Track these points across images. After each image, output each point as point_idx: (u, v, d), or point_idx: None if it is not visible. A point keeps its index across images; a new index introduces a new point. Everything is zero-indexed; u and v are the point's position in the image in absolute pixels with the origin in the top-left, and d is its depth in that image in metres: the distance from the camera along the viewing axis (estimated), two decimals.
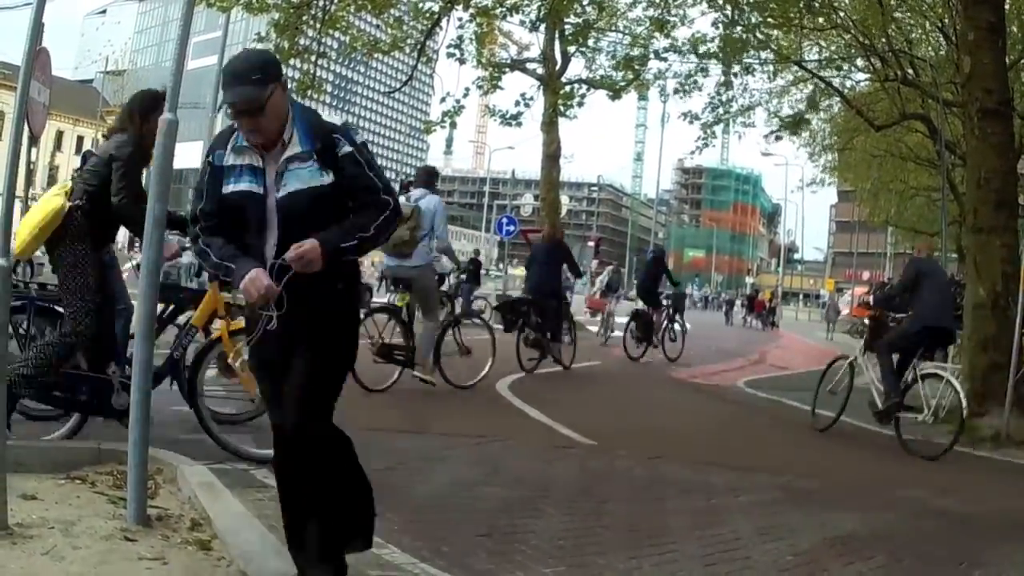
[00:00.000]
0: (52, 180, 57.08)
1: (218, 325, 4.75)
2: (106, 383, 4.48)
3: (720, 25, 15.04)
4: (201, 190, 2.77)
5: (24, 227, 4.37)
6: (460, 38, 16.48)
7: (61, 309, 4.45)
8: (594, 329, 17.86)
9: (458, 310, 9.22)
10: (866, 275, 56.16)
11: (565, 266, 11.41)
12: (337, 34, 15.56)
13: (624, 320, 14.65)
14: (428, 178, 8.34)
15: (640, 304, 14.39)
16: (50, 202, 4.37)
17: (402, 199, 8.37)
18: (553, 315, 10.77)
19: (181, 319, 5.10)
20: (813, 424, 8.21)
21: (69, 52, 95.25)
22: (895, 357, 7.63)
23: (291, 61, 14.40)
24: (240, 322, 4.59)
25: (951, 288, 8.31)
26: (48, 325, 4.50)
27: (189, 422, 5.30)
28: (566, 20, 17.37)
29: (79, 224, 4.36)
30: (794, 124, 18.24)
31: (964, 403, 7.10)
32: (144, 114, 4.51)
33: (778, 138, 19.07)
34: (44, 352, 4.31)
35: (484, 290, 23.52)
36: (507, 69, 19.19)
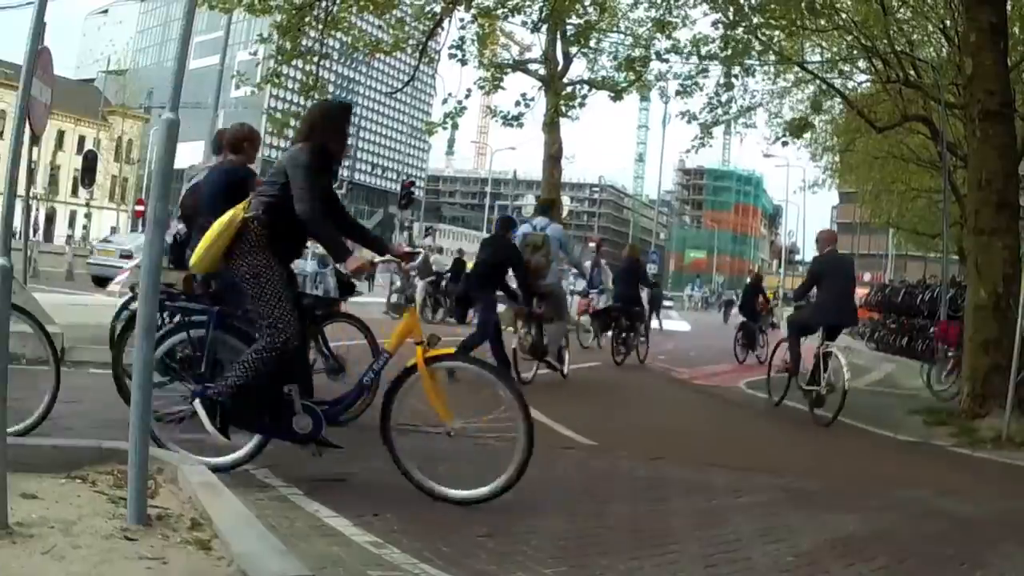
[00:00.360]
0: (53, 179, 57.24)
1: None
2: (288, 404, 4.25)
3: (721, 26, 15.06)
4: None
5: (202, 242, 4.30)
6: (462, 39, 16.52)
7: (242, 325, 4.35)
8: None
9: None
10: (867, 276, 56.07)
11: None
12: (339, 35, 15.57)
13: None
14: (548, 208, 10.51)
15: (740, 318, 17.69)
16: (224, 216, 4.26)
17: (525, 228, 9.87)
18: (638, 318, 13.35)
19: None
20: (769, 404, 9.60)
21: (71, 51, 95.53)
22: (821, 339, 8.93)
23: (294, 62, 14.45)
24: (443, 347, 4.39)
25: (848, 281, 9.35)
26: (234, 340, 4.33)
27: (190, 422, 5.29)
28: (568, 21, 17.39)
29: (256, 234, 4.22)
30: (798, 128, 18.25)
31: (846, 375, 8.38)
32: (326, 124, 4.44)
33: (784, 144, 19.11)
34: (253, 364, 4.15)
35: None
36: (509, 70, 19.21)
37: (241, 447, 4.38)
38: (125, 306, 5.71)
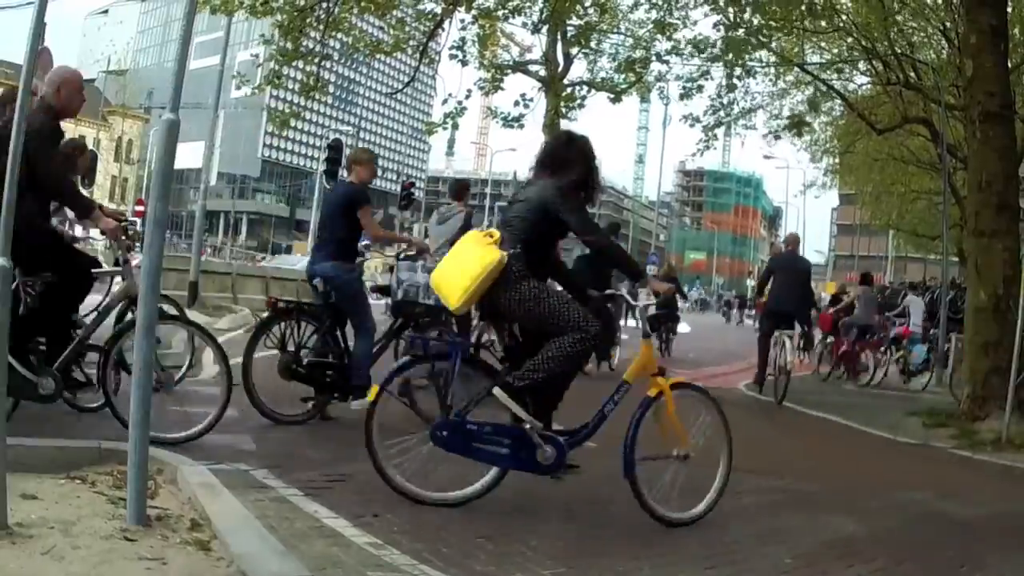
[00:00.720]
0: None
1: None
2: (527, 436, 4.20)
3: (722, 27, 15.06)
4: None
5: (458, 280, 4.22)
6: (462, 40, 16.48)
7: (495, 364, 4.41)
8: None
9: None
10: None
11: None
12: (340, 35, 15.57)
13: None
14: (616, 229, 12.85)
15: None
16: (485, 255, 4.19)
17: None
18: (676, 321, 16.54)
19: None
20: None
21: (71, 51, 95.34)
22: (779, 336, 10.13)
23: (294, 62, 14.46)
24: (678, 376, 4.60)
25: (798, 276, 10.58)
26: (475, 374, 4.33)
27: (190, 423, 5.30)
28: (568, 22, 17.37)
29: (517, 269, 4.21)
30: (794, 125, 18.26)
31: (789, 358, 9.62)
32: (577, 158, 4.50)
33: (777, 137, 19.13)
34: (564, 356, 4.23)
35: None
36: (509, 71, 19.18)
37: (478, 480, 4.31)
38: (264, 323, 6.13)
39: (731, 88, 16.74)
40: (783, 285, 10.27)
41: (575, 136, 4.75)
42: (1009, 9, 11.48)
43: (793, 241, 11.68)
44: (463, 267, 4.21)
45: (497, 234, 4.26)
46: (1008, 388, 8.01)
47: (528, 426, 4.17)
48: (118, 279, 5.20)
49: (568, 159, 4.46)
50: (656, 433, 4.36)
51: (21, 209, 3.23)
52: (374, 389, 4.25)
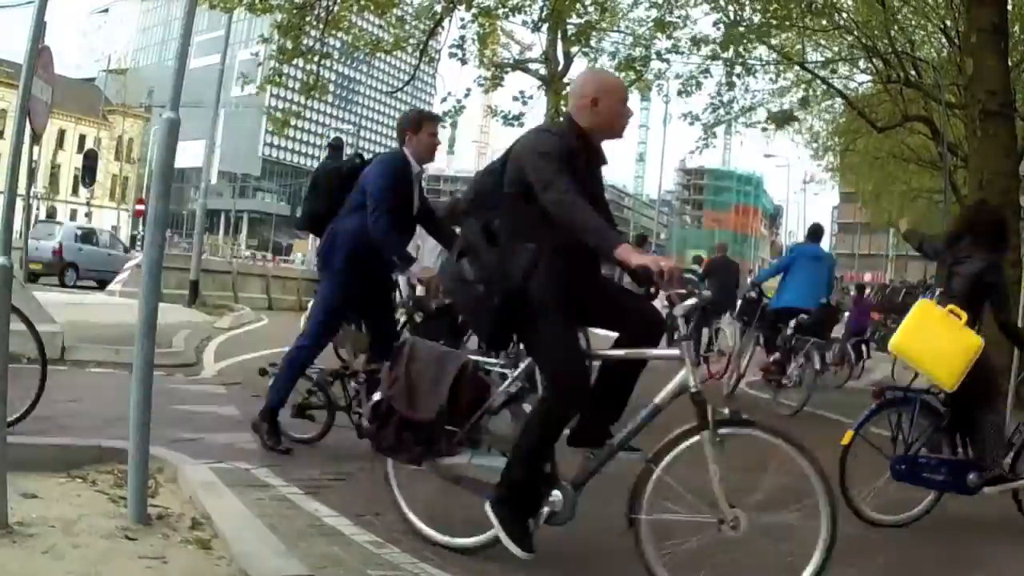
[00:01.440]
0: (54, 178, 57.26)
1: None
2: (961, 465, 4.83)
3: (721, 25, 15.04)
4: None
5: (948, 365, 4.67)
6: (462, 38, 16.47)
7: (938, 405, 4.89)
8: None
9: None
10: (868, 276, 56.10)
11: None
12: (340, 34, 15.57)
13: None
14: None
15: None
16: (968, 343, 4.71)
17: None
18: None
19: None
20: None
21: (72, 50, 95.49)
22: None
23: (295, 61, 14.45)
24: None
25: (728, 275, 12.99)
26: (928, 421, 4.84)
27: (191, 422, 5.31)
28: (568, 21, 17.34)
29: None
30: (781, 120, 18.25)
31: (730, 342, 10.90)
32: (1000, 229, 5.12)
33: (763, 129, 19.11)
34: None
35: None
36: (509, 69, 19.17)
37: (918, 504, 4.86)
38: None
39: (730, 86, 16.73)
40: (720, 285, 11.90)
41: (994, 208, 5.63)
42: (1009, 7, 11.47)
43: (721, 248, 14.32)
44: (950, 353, 4.69)
45: (964, 315, 4.74)
46: (1008, 388, 7.99)
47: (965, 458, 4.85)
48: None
49: (998, 233, 5.08)
50: None
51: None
52: (848, 433, 4.74)
